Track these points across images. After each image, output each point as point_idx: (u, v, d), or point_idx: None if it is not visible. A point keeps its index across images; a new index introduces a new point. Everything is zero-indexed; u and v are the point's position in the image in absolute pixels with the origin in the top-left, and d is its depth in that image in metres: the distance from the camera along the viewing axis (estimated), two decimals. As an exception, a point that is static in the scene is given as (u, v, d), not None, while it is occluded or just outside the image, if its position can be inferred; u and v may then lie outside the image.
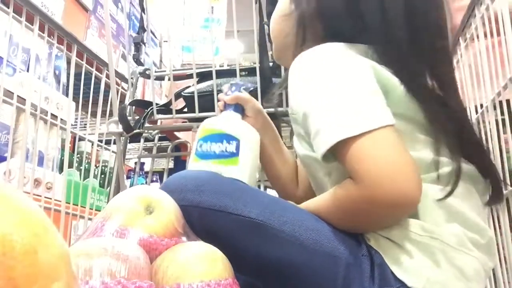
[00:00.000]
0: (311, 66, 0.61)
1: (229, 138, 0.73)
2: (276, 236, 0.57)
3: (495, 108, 0.88)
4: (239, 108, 0.82)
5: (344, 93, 0.56)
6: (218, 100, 0.87)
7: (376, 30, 0.63)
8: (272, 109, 1.05)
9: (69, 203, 1.26)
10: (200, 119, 1.14)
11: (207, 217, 0.60)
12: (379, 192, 0.51)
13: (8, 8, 0.99)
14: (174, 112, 1.12)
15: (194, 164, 0.72)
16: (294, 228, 0.58)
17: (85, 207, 1.31)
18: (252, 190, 0.63)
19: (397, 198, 0.51)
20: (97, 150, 1.43)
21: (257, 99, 1.04)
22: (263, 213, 0.58)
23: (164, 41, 2.39)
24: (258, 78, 1.04)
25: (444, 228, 0.56)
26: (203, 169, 0.68)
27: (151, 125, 1.23)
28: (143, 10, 1.15)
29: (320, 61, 0.61)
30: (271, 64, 1.07)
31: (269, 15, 1.05)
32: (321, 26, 0.67)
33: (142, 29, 1.17)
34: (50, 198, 1.19)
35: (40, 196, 1.16)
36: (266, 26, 1.05)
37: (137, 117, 1.18)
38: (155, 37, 2.36)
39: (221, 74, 1.12)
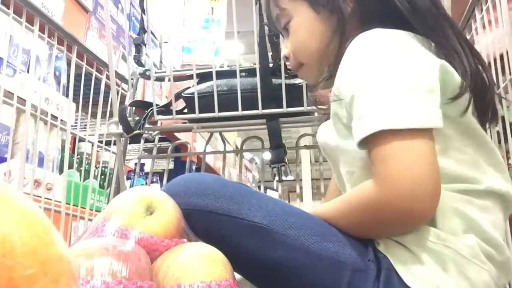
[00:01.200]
0: (373, 48, 0.59)
1: None
2: (280, 240, 0.57)
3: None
4: None
5: (400, 84, 0.54)
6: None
7: (424, 19, 0.63)
8: (274, 110, 1.05)
9: (69, 204, 1.25)
10: (200, 120, 1.14)
11: (210, 221, 0.59)
12: (394, 199, 0.51)
13: (9, 9, 0.99)
14: (174, 112, 1.12)
15: None
16: (298, 233, 0.57)
17: (85, 208, 1.31)
18: (257, 194, 0.63)
19: (409, 211, 0.52)
20: (97, 151, 1.43)
21: (256, 101, 1.04)
22: (268, 217, 0.58)
23: (164, 42, 2.39)
24: (258, 79, 1.04)
25: (459, 238, 0.56)
26: None
27: (151, 126, 1.23)
28: (143, 11, 1.15)
29: (382, 44, 0.59)
30: (271, 65, 1.07)
31: (269, 16, 1.05)
32: (360, 17, 0.66)
33: (142, 30, 1.17)
34: (50, 199, 1.19)
35: (40, 197, 1.16)
36: (266, 27, 1.05)
37: (137, 118, 1.18)
38: (155, 38, 2.36)
39: (221, 74, 1.12)
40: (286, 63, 0.80)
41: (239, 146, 1.43)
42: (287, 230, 0.57)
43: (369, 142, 0.55)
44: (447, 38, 0.63)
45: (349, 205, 0.58)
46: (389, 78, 0.55)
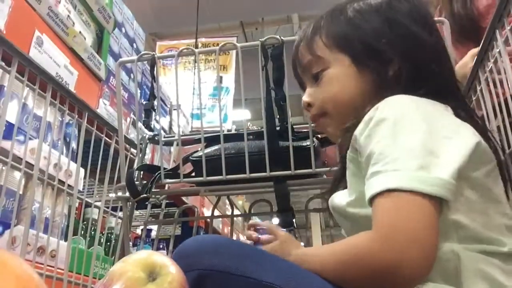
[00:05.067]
0: (408, 110, 0.61)
1: None
2: None
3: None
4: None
5: (424, 151, 0.55)
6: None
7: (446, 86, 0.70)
8: (281, 173, 1.04)
9: (72, 272, 1.22)
10: (208, 183, 1.13)
11: (225, 281, 0.57)
12: (385, 250, 0.52)
13: (23, 77, 1.02)
14: (181, 176, 1.12)
15: None
16: None
17: (88, 276, 1.27)
18: (267, 254, 0.61)
19: (394, 268, 0.51)
20: (104, 216, 1.41)
21: (264, 163, 1.04)
22: (283, 278, 0.55)
23: (174, 109, 2.44)
24: (265, 141, 1.05)
25: None
26: None
27: (158, 189, 1.22)
28: (153, 78, 1.18)
29: (420, 108, 0.61)
30: (278, 128, 1.08)
31: (275, 81, 1.08)
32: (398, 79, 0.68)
33: (152, 96, 1.20)
34: (53, 267, 1.16)
35: (43, 264, 1.13)
36: (272, 91, 1.07)
37: (144, 183, 1.17)
38: (165, 105, 2.43)
39: (229, 138, 1.13)
40: (306, 110, 0.80)
41: (247, 211, 1.40)
42: None
43: (376, 198, 0.55)
44: (471, 113, 0.68)
45: (340, 249, 0.58)
46: (418, 142, 0.56)
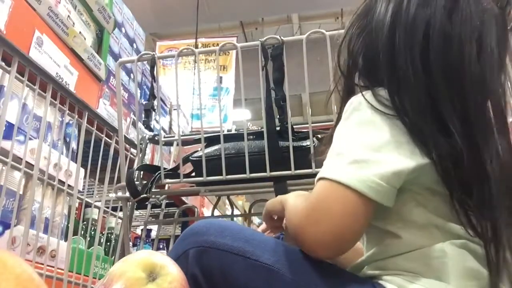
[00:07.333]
0: (360, 111, 0.62)
1: None
2: (289, 285, 0.59)
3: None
4: None
5: (374, 146, 0.57)
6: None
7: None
8: (281, 173, 1.04)
9: (72, 272, 1.22)
10: (208, 183, 1.14)
11: (225, 260, 0.62)
12: (302, 226, 0.59)
13: (23, 77, 1.02)
14: (181, 176, 1.12)
15: None
16: (308, 281, 0.58)
17: (88, 276, 1.27)
18: (270, 239, 0.66)
19: (308, 246, 0.59)
20: (104, 216, 1.41)
21: (264, 163, 1.04)
22: (280, 261, 0.60)
23: (174, 110, 2.45)
24: (265, 141, 1.05)
25: None
26: None
27: (158, 189, 1.22)
28: (153, 78, 1.18)
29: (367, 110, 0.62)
30: (278, 128, 1.08)
31: (275, 81, 1.08)
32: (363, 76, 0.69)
33: (152, 96, 1.20)
34: (53, 267, 1.16)
35: (43, 264, 1.13)
36: (272, 91, 1.07)
37: (144, 183, 1.17)
38: (165, 105, 2.43)
39: (229, 138, 1.13)
40: None
41: (247, 211, 1.40)
42: (297, 276, 0.59)
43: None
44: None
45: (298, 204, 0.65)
46: (368, 140, 0.59)
